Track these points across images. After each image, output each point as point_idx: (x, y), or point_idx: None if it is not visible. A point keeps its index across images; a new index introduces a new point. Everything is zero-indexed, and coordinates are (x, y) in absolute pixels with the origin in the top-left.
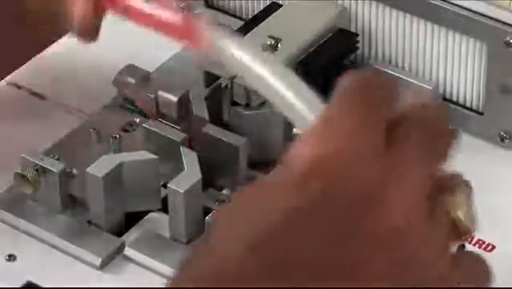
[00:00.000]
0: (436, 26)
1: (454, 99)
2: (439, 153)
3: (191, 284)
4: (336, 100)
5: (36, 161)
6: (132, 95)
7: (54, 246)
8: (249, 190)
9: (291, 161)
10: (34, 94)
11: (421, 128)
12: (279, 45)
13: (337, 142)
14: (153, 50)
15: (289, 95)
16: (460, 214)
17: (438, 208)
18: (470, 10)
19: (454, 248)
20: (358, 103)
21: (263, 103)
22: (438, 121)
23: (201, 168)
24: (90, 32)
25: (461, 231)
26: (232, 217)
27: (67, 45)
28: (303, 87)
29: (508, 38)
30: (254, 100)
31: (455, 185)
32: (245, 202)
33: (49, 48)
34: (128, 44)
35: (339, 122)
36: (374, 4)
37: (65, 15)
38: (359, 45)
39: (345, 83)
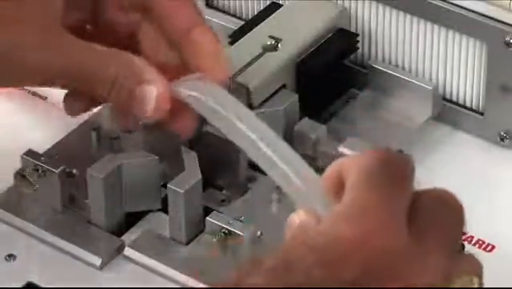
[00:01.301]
0: (436, 26)
1: (454, 99)
2: (456, 240)
3: None
4: (361, 182)
5: (36, 161)
6: None
7: (54, 246)
8: (287, 256)
9: (324, 238)
10: (34, 94)
11: (439, 215)
12: (279, 45)
13: (370, 229)
14: None
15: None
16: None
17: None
18: (470, 10)
19: None
20: (385, 184)
21: (263, 102)
22: (455, 205)
23: (201, 168)
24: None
25: None
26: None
27: None
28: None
29: (508, 38)
30: (254, 100)
31: (465, 270)
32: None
33: None
34: None
35: (371, 208)
36: (374, 4)
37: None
38: (359, 45)
39: (362, 162)
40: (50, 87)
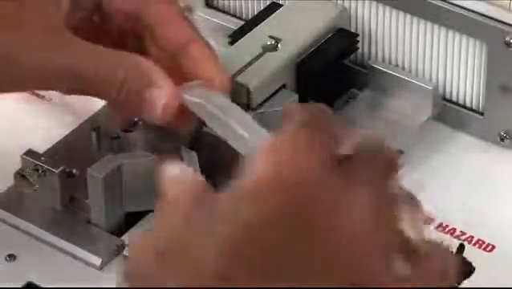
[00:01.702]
0: (436, 26)
1: (454, 99)
2: (385, 173)
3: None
4: (287, 126)
5: (36, 161)
6: None
7: (54, 246)
8: (214, 201)
9: (247, 176)
10: (34, 94)
11: (367, 154)
12: (279, 45)
13: (290, 160)
14: None
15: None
16: (407, 232)
17: (386, 224)
18: (470, 10)
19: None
20: (308, 129)
21: (263, 102)
22: (381, 148)
23: (201, 169)
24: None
25: (409, 247)
26: (199, 224)
27: None
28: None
29: (508, 38)
30: (254, 100)
31: (402, 202)
32: (212, 211)
33: None
34: None
35: (291, 143)
36: (374, 4)
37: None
38: (359, 45)
39: (294, 112)
40: (54, 90)
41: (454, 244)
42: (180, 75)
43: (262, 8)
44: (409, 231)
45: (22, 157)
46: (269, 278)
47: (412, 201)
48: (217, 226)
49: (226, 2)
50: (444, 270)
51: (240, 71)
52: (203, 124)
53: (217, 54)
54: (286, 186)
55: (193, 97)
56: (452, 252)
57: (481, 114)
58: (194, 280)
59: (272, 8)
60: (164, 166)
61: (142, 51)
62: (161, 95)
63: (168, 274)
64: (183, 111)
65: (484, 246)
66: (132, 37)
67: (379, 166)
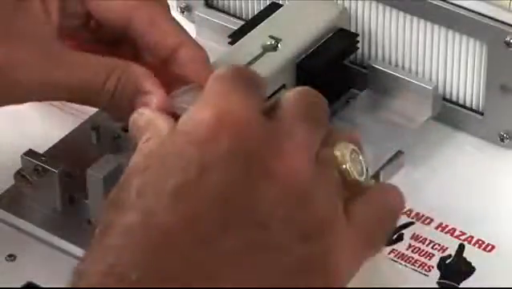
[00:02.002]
0: (436, 26)
1: (454, 99)
2: (318, 115)
3: (120, 240)
4: (217, 77)
5: (36, 161)
6: None
7: (54, 246)
8: (161, 147)
9: (190, 123)
10: None
11: (298, 99)
12: (279, 45)
13: (226, 106)
14: None
15: None
16: (345, 167)
17: (325, 161)
18: (470, 10)
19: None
20: (236, 79)
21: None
22: (310, 93)
23: None
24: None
25: (349, 182)
26: (149, 170)
27: None
28: None
29: (508, 38)
30: None
31: (338, 140)
32: (160, 157)
33: None
34: None
35: (224, 92)
36: (374, 4)
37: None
38: (359, 45)
39: (220, 70)
40: (47, 101)
41: (454, 244)
42: (171, 80)
43: (262, 8)
44: (353, 172)
45: (22, 157)
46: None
47: (346, 137)
48: (170, 167)
49: (226, 2)
50: (388, 203)
51: None
52: None
53: (208, 57)
54: (222, 128)
55: (183, 103)
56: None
57: (481, 114)
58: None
59: (272, 8)
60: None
61: (135, 57)
62: (151, 102)
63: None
64: (173, 117)
65: (484, 246)
66: (124, 42)
67: (311, 110)
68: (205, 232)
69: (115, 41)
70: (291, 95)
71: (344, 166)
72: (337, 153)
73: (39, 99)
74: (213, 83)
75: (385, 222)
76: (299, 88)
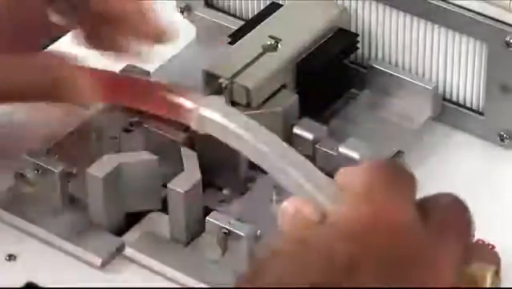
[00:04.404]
0: (436, 26)
1: (454, 99)
2: (466, 229)
3: None
4: (371, 171)
5: (36, 161)
6: None
7: (54, 246)
8: (307, 238)
9: (343, 218)
10: None
11: (453, 209)
12: (279, 45)
13: (384, 207)
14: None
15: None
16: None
17: (467, 279)
18: (470, 10)
19: None
20: (394, 177)
21: (263, 102)
22: (464, 206)
23: (201, 169)
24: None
25: None
26: (290, 259)
27: (66, 45)
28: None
29: (508, 38)
30: (254, 100)
31: (479, 257)
32: (305, 249)
33: (49, 48)
34: None
35: (377, 192)
36: (374, 4)
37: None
38: (359, 45)
39: (375, 162)
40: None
41: None
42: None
43: (262, 8)
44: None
45: (22, 157)
46: None
47: (488, 255)
48: (312, 262)
49: (226, 2)
50: None
51: (240, 71)
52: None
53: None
54: (380, 228)
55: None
56: None
57: (481, 114)
58: None
59: (272, 8)
60: (283, 206)
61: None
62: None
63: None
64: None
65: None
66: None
67: (462, 222)
68: None
69: (94, 26)
70: (445, 203)
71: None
72: (478, 274)
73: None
74: (371, 178)
75: None
76: (450, 195)
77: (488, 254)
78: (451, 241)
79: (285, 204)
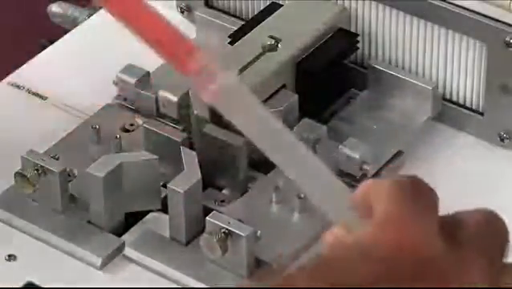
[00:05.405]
0: (436, 26)
1: (454, 99)
2: (498, 249)
3: None
4: (396, 191)
5: (36, 161)
6: (132, 95)
7: (54, 246)
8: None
9: (369, 238)
10: (34, 94)
11: (481, 229)
12: (279, 45)
13: (410, 237)
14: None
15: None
16: None
17: None
18: (470, 10)
19: None
20: (417, 197)
21: (263, 102)
22: (494, 220)
23: (201, 168)
24: None
25: None
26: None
27: (66, 45)
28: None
29: (508, 38)
30: None
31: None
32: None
33: (49, 48)
34: (128, 44)
35: (401, 214)
36: (374, 4)
37: None
38: (360, 45)
39: (390, 184)
40: None
41: None
42: None
43: (262, 8)
44: None
45: (22, 157)
46: None
47: None
48: (336, 278)
49: (226, 2)
50: None
51: (240, 71)
52: (202, 123)
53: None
54: (405, 256)
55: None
56: None
57: (481, 114)
58: None
59: (272, 8)
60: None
61: None
62: None
63: None
64: None
65: None
66: None
67: (493, 242)
68: None
69: None
70: (473, 219)
71: None
72: None
73: None
74: (394, 199)
75: None
76: (483, 212)
77: None
78: (481, 263)
79: (326, 233)
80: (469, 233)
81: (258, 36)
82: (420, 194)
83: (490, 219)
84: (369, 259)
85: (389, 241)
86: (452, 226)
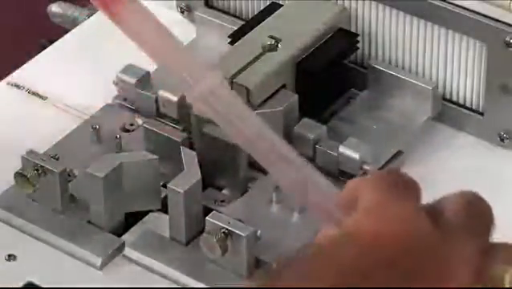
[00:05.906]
0: (436, 26)
1: (454, 99)
2: (482, 229)
3: None
4: (375, 184)
5: (36, 161)
6: (132, 94)
7: (54, 246)
8: (321, 252)
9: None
10: (34, 94)
11: (463, 210)
12: (279, 45)
13: (390, 222)
14: None
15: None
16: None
17: (489, 278)
18: (470, 10)
19: None
20: (398, 188)
21: (263, 102)
22: (476, 201)
23: (201, 168)
24: None
25: None
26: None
27: (66, 45)
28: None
29: (508, 38)
30: (254, 100)
31: (502, 257)
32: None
33: (49, 48)
34: (129, 44)
35: (381, 206)
36: (374, 4)
37: None
38: (360, 45)
39: (375, 177)
40: None
41: None
42: None
43: (262, 8)
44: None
45: (22, 157)
46: None
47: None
48: (322, 270)
49: (226, 2)
50: None
51: (240, 71)
52: (202, 123)
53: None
54: (387, 242)
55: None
56: None
57: (481, 114)
58: None
59: (272, 8)
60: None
61: None
62: None
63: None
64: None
65: None
66: None
67: (477, 222)
68: None
69: None
70: (455, 201)
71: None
72: (496, 274)
73: None
74: (378, 188)
75: None
76: (466, 195)
77: (509, 254)
78: (465, 243)
79: (318, 235)
80: (455, 214)
81: (258, 36)
82: (402, 183)
83: (474, 201)
84: (354, 244)
85: (372, 226)
86: (436, 211)
